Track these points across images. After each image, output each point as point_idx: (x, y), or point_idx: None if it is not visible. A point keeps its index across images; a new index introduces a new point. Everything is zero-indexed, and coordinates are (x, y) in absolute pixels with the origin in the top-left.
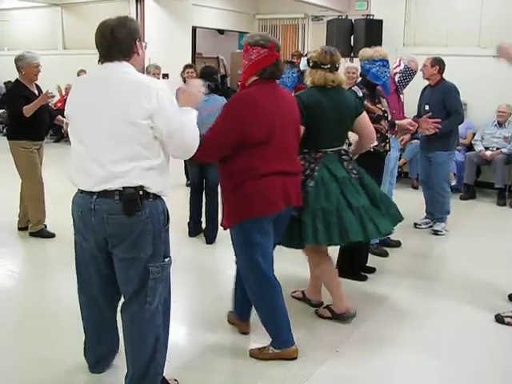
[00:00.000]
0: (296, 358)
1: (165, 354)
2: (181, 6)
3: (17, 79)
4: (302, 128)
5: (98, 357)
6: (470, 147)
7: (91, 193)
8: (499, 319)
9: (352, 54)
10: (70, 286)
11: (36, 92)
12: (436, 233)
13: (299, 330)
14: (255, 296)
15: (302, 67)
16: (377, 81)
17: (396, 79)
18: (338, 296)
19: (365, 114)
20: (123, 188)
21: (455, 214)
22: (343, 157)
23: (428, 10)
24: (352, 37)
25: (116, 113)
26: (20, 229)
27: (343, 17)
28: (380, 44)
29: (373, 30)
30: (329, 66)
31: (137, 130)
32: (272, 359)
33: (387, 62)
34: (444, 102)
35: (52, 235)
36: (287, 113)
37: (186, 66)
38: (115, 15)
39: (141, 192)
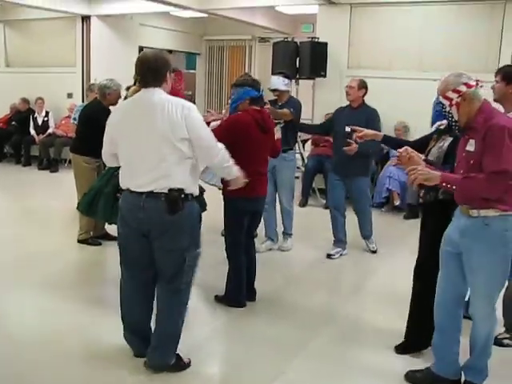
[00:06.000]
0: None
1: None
2: (127, 25)
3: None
4: None
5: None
6: None
7: (140, 193)
8: (497, 342)
9: (298, 76)
10: None
11: None
12: (375, 252)
13: (240, 353)
14: None
15: (273, 86)
16: None
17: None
18: None
19: None
20: (168, 190)
21: (399, 233)
22: None
23: (371, 33)
24: (298, 59)
25: (159, 130)
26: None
27: (289, 39)
28: (325, 66)
29: (318, 53)
30: None
31: (180, 143)
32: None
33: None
34: (367, 125)
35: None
36: None
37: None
38: (61, 33)
39: (182, 195)
